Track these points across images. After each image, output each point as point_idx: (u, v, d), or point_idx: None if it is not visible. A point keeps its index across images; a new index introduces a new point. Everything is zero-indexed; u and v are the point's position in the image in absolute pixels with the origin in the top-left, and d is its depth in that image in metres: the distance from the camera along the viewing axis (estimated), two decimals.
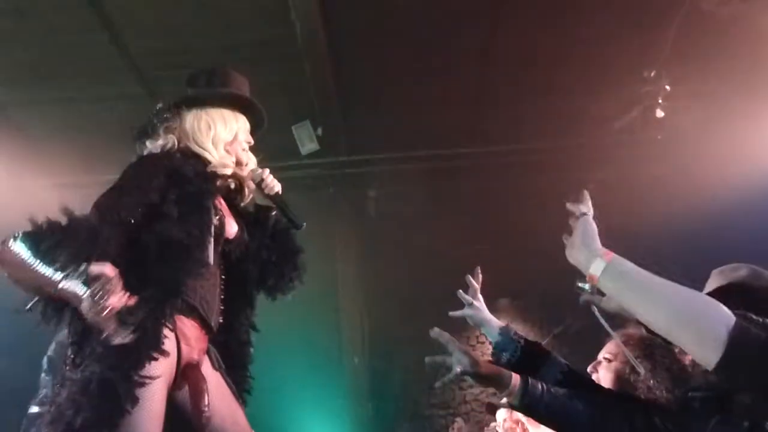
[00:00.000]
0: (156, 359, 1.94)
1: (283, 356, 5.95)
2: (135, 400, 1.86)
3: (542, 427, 3.77)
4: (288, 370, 6.29)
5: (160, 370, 1.95)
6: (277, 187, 2.51)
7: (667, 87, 5.64)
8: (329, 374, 7.06)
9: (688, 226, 5.61)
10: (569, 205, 1.78)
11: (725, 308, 1.37)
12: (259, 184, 2.47)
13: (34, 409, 4.37)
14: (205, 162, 2.37)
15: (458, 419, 6.64)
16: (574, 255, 1.65)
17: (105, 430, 1.82)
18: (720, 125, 5.82)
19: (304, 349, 6.83)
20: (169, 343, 2.03)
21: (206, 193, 2.25)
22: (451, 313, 2.39)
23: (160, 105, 2.41)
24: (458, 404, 7.46)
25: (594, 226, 1.68)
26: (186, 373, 2.14)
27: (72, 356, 1.96)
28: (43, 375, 4.46)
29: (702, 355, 1.35)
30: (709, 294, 1.76)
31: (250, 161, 2.53)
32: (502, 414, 4.88)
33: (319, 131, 6.05)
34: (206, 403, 2.13)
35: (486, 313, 2.37)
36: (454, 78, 5.73)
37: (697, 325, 1.37)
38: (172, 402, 2.08)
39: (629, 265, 1.54)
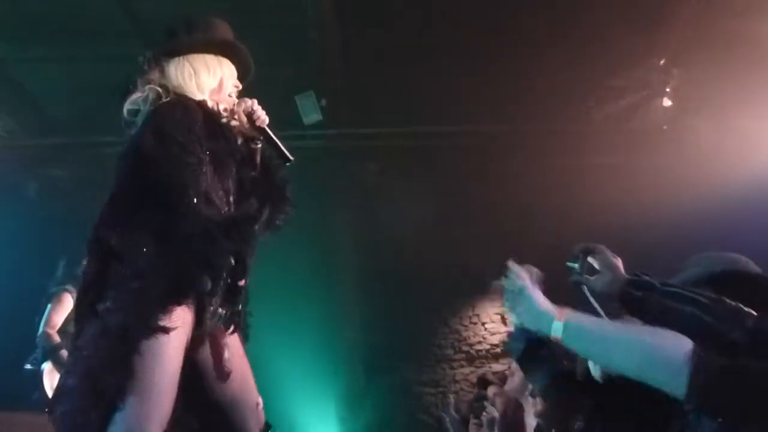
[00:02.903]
0: (174, 306, 1.95)
1: (278, 327, 5.96)
2: (149, 347, 1.87)
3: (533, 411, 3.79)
4: (282, 340, 6.31)
5: (178, 323, 1.95)
6: (266, 118, 2.40)
7: (676, 75, 5.59)
8: (323, 346, 7.09)
9: (687, 217, 5.57)
10: (501, 283, 1.82)
11: (682, 337, 1.44)
12: (250, 116, 2.37)
13: (28, 366, 4.42)
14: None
15: (451, 396, 6.69)
16: (531, 323, 1.72)
17: (118, 373, 1.84)
18: (727, 117, 5.78)
19: (299, 321, 6.84)
20: None
21: (232, 149, 2.25)
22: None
23: (140, 59, 2.31)
24: (448, 383, 7.50)
25: (536, 291, 1.75)
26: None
27: (93, 300, 1.97)
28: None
29: (671, 388, 1.42)
30: (710, 280, 1.79)
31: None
32: (492, 390, 4.93)
33: (323, 102, 6.00)
34: (227, 357, 2.17)
35: None
36: (463, 53, 5.65)
37: (659, 362, 1.44)
38: (192, 361, 2.10)
39: (584, 319, 1.61)
